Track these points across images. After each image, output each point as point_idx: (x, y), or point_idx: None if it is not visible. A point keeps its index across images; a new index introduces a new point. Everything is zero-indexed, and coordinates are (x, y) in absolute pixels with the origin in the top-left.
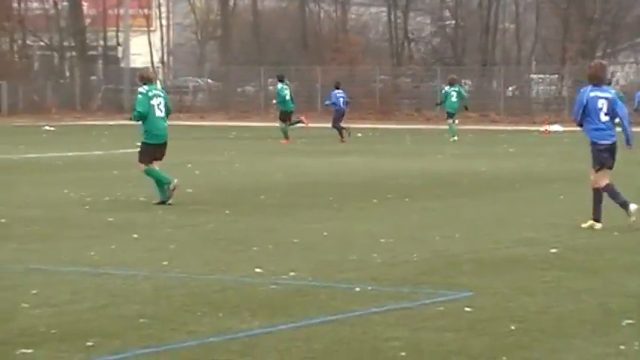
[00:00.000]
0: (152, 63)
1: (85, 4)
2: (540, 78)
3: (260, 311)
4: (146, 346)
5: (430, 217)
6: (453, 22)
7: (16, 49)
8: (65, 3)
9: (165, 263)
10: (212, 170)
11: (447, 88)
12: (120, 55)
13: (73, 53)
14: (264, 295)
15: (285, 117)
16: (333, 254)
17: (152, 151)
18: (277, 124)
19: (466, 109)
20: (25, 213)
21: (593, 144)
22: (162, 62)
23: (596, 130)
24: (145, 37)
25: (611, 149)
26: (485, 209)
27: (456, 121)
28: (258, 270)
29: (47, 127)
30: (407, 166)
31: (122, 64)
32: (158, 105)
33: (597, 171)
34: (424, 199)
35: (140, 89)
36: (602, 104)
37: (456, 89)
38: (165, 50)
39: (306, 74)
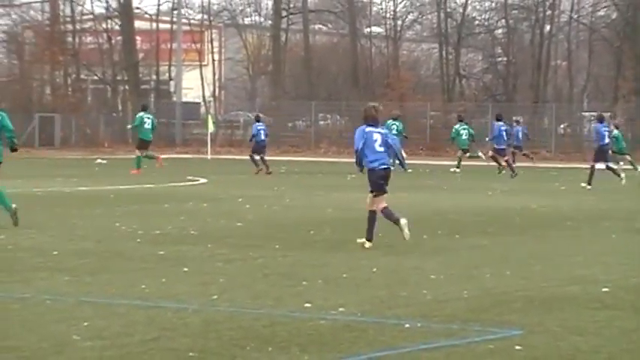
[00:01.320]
0: (203, 97)
1: (138, 38)
2: (592, 116)
3: (309, 346)
4: None
5: (480, 254)
6: (505, 58)
7: (70, 82)
8: (119, 38)
9: (214, 297)
10: (262, 204)
11: (456, 126)
12: (172, 89)
13: (126, 87)
14: (313, 330)
15: (143, 146)
16: (383, 290)
17: None
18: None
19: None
20: (76, 245)
21: (371, 171)
22: (214, 96)
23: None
24: (196, 72)
25: (386, 176)
26: (535, 247)
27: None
28: (307, 305)
29: (99, 160)
30: (457, 202)
31: (174, 98)
32: None
33: (375, 196)
34: (474, 235)
35: None
36: (377, 137)
37: (465, 127)
38: (216, 85)
39: (356, 109)
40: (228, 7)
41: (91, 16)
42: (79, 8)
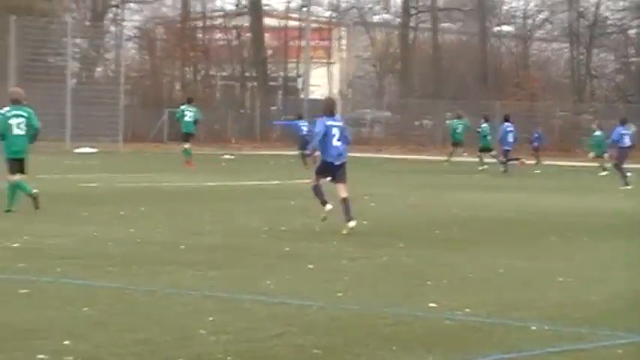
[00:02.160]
0: (331, 94)
1: (267, 35)
2: None
3: (433, 347)
4: None
5: (610, 257)
6: (638, 59)
7: (200, 78)
8: (248, 34)
9: (339, 294)
10: (388, 203)
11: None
12: (300, 86)
13: (254, 84)
14: (438, 330)
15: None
16: (509, 291)
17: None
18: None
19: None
20: (203, 240)
21: (324, 162)
22: (341, 94)
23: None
24: (324, 69)
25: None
26: None
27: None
28: (432, 305)
29: (227, 156)
30: (586, 203)
31: (302, 95)
32: (18, 124)
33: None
34: (604, 237)
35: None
36: (335, 132)
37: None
38: (344, 82)
39: (484, 109)
40: (357, 4)
41: (221, 13)
42: (210, 5)
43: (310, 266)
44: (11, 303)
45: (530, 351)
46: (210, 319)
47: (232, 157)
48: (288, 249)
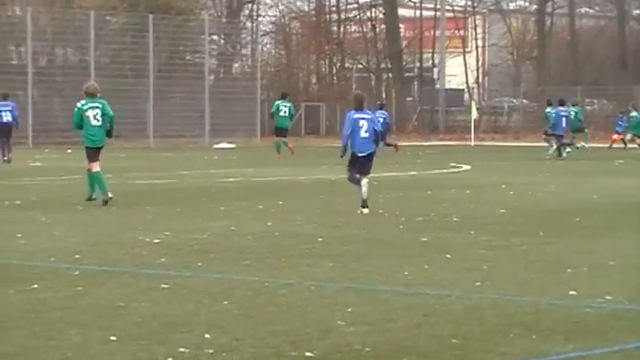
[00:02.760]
0: (467, 84)
1: (402, 26)
2: None
3: (574, 335)
4: None
5: None
6: None
7: (335, 71)
8: (383, 26)
9: (477, 284)
10: (526, 191)
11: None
12: (435, 76)
13: (390, 75)
14: (578, 318)
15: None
16: None
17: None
18: None
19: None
20: (340, 232)
21: (352, 154)
22: (477, 83)
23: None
24: (460, 59)
25: (365, 160)
26: None
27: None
28: (572, 292)
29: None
30: None
31: (437, 85)
32: (94, 115)
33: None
34: None
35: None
36: (363, 124)
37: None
38: (480, 71)
39: (624, 93)
40: None
41: (355, 5)
42: None
43: (448, 256)
44: (153, 297)
45: None
46: (349, 310)
47: None
48: (425, 239)
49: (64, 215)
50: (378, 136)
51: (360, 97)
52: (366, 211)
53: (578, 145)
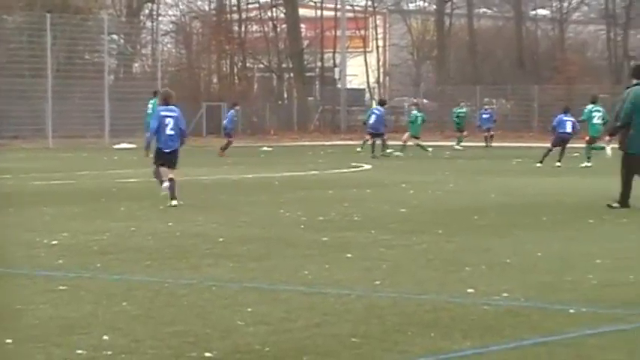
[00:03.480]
0: (368, 83)
1: (303, 26)
2: None
3: (472, 332)
4: None
5: None
6: None
7: (236, 71)
8: (284, 26)
9: (377, 283)
10: (426, 190)
11: (590, 107)
12: (337, 76)
13: (291, 75)
14: (476, 315)
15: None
16: (547, 275)
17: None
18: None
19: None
20: (242, 232)
21: (158, 149)
22: (378, 82)
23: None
24: (361, 58)
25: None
26: None
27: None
28: (470, 290)
29: (265, 148)
30: None
31: (339, 85)
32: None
33: (161, 165)
34: None
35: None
36: (169, 121)
37: (600, 109)
38: (381, 71)
39: (522, 93)
40: None
41: (256, 5)
42: None
43: (348, 255)
44: (51, 299)
45: (568, 334)
46: (249, 310)
47: (271, 148)
48: (326, 239)
49: None
50: (184, 134)
51: (167, 93)
52: (174, 202)
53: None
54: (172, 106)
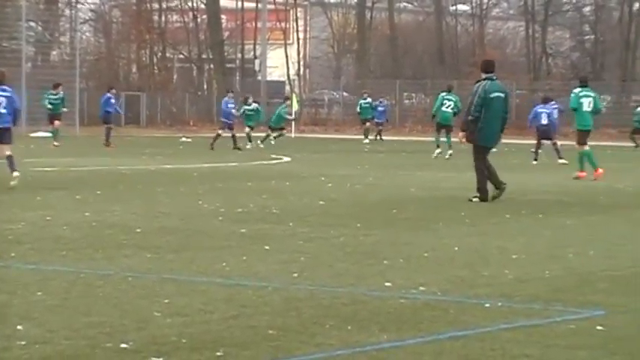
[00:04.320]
0: (288, 76)
1: (223, 17)
2: None
3: (388, 325)
4: (275, 358)
5: (564, 234)
6: (593, 36)
7: (156, 61)
8: (204, 16)
9: (295, 275)
10: (345, 183)
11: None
12: (257, 67)
13: (211, 66)
14: (393, 309)
15: None
16: (464, 269)
17: None
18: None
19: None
20: (160, 223)
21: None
22: (299, 75)
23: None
24: (281, 50)
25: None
26: (622, 227)
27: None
28: (387, 284)
29: (184, 139)
30: (541, 182)
31: (259, 77)
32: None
33: None
34: (558, 215)
35: None
36: (2, 100)
37: (452, 98)
38: (301, 63)
39: (442, 88)
40: None
41: None
42: None
43: (266, 247)
44: None
45: (483, 328)
46: (166, 301)
47: (190, 139)
48: (244, 231)
49: None
50: (16, 113)
51: (1, 74)
52: (16, 174)
53: None
54: (5, 87)
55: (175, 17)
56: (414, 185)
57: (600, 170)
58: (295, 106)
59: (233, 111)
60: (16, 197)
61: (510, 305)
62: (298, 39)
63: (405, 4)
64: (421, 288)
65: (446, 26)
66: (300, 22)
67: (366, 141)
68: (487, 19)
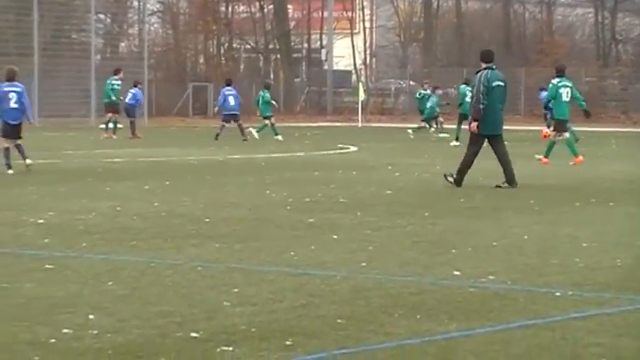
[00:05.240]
0: (355, 65)
1: (290, 7)
2: None
3: (457, 314)
4: (344, 347)
5: (635, 222)
6: None
7: (223, 51)
8: (271, 6)
9: (363, 264)
10: (412, 172)
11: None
12: (323, 57)
13: (278, 56)
14: (461, 297)
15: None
16: (534, 258)
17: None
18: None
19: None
20: (228, 213)
21: (5, 122)
22: (365, 64)
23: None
24: (348, 40)
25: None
26: None
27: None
28: (456, 273)
29: (251, 129)
30: (612, 169)
31: (325, 67)
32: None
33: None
34: (629, 203)
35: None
36: (12, 96)
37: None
38: (367, 52)
39: (509, 76)
40: None
41: None
42: None
43: (334, 237)
44: (37, 278)
45: (553, 317)
46: (236, 290)
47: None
48: (312, 220)
49: None
50: (27, 109)
51: (11, 71)
52: (29, 161)
53: None
54: (16, 82)
55: (242, 8)
56: (482, 173)
57: (580, 157)
58: (362, 96)
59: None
60: (86, 188)
61: (581, 294)
62: (364, 28)
63: None
64: (490, 277)
65: (513, 13)
66: (367, 11)
67: (432, 130)
68: (555, 6)
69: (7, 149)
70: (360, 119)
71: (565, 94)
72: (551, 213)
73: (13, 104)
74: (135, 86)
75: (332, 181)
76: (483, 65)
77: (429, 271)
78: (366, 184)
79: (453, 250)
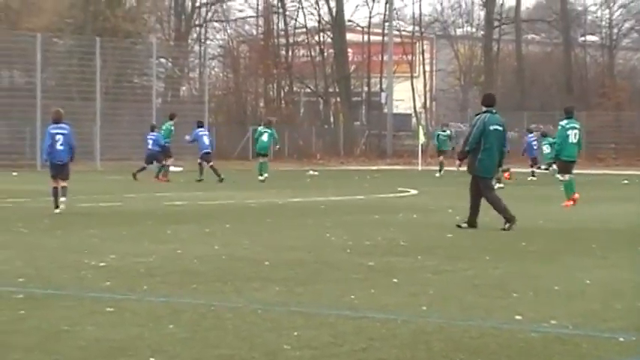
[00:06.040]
0: (414, 108)
1: (350, 51)
2: None
3: (519, 359)
4: None
5: None
6: None
7: (283, 95)
8: (331, 50)
9: (424, 308)
10: None
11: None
12: (383, 100)
13: (338, 99)
14: (523, 342)
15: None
16: (596, 303)
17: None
18: None
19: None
20: (288, 256)
21: (51, 163)
22: (425, 108)
23: None
24: (407, 83)
25: (61, 168)
26: None
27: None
28: (517, 317)
29: (311, 172)
30: None
31: (385, 110)
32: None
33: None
34: None
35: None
36: (59, 138)
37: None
38: (427, 96)
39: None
40: (440, 18)
41: (303, 30)
42: (292, 22)
43: (395, 280)
44: (98, 321)
45: None
46: (296, 334)
47: (317, 172)
48: (372, 263)
49: (8, 238)
50: (73, 150)
51: (57, 113)
52: (62, 207)
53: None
54: (63, 124)
55: (302, 52)
56: (541, 217)
57: (571, 202)
58: (422, 139)
59: (187, 137)
60: (148, 231)
61: None
62: (424, 72)
63: (532, 35)
64: (552, 321)
65: (574, 57)
66: (427, 55)
67: (438, 175)
68: (617, 50)
69: (55, 189)
70: (420, 162)
71: (573, 136)
72: (613, 257)
73: (59, 146)
74: (199, 127)
75: (392, 224)
76: (484, 109)
77: (490, 315)
78: (426, 227)
79: (514, 294)
